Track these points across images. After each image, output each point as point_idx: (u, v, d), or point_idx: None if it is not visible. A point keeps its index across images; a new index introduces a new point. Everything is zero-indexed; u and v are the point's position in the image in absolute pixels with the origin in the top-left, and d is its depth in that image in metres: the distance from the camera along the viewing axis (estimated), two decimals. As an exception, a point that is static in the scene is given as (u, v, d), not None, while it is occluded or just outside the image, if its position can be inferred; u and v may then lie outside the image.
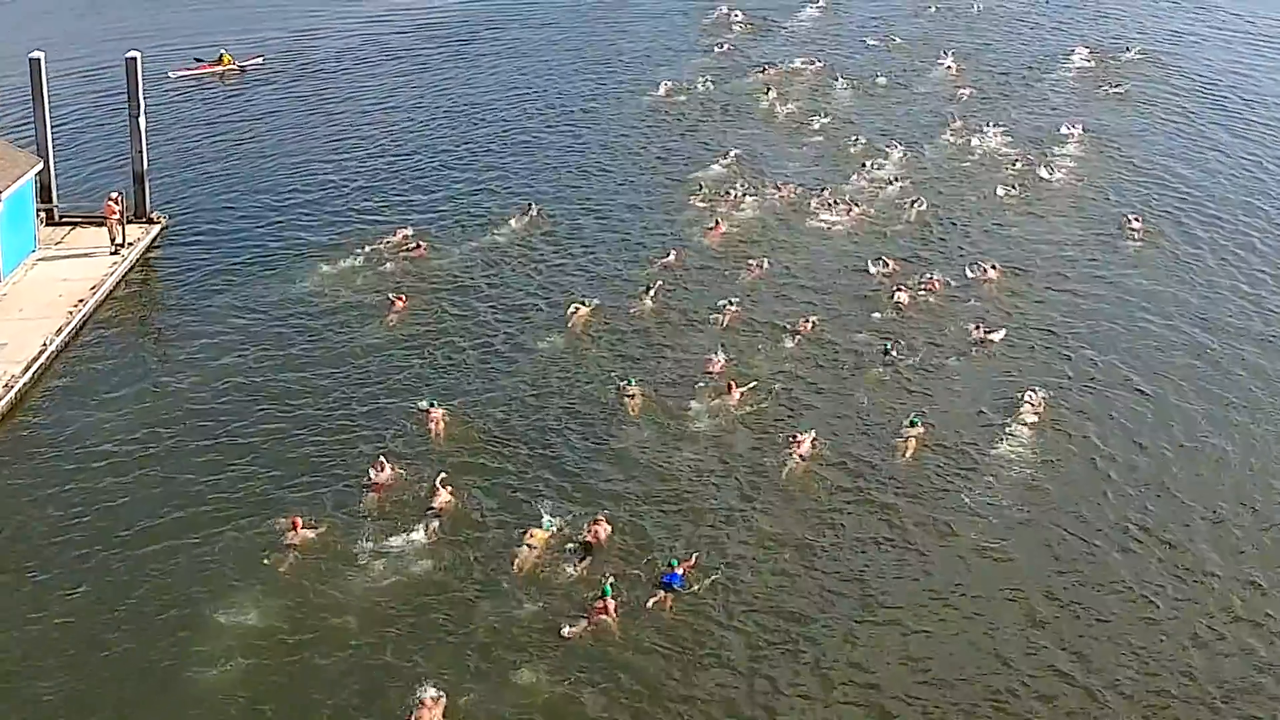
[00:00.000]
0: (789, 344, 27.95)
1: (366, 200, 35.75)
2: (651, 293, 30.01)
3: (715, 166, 38.55)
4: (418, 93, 45.77)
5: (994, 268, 31.68)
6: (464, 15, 56.78)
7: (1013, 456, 24.04)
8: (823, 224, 34.60)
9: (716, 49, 51.48)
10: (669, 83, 46.23)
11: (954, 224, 35.09)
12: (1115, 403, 26.23)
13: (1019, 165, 38.85)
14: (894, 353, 27.48)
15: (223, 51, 46.84)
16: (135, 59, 31.97)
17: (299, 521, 21.34)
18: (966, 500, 22.74)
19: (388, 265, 31.25)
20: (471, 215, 34.89)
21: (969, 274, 31.49)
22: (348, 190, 36.46)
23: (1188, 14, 58.07)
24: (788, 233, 34.24)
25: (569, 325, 28.61)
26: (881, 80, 47.53)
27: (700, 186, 36.71)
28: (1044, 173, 38.34)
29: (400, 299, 29.27)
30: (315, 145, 40.10)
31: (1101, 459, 24.24)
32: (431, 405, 24.92)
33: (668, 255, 32.18)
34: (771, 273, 31.51)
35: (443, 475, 22.46)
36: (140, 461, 23.32)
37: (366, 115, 43.12)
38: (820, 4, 59.15)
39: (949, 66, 49.14)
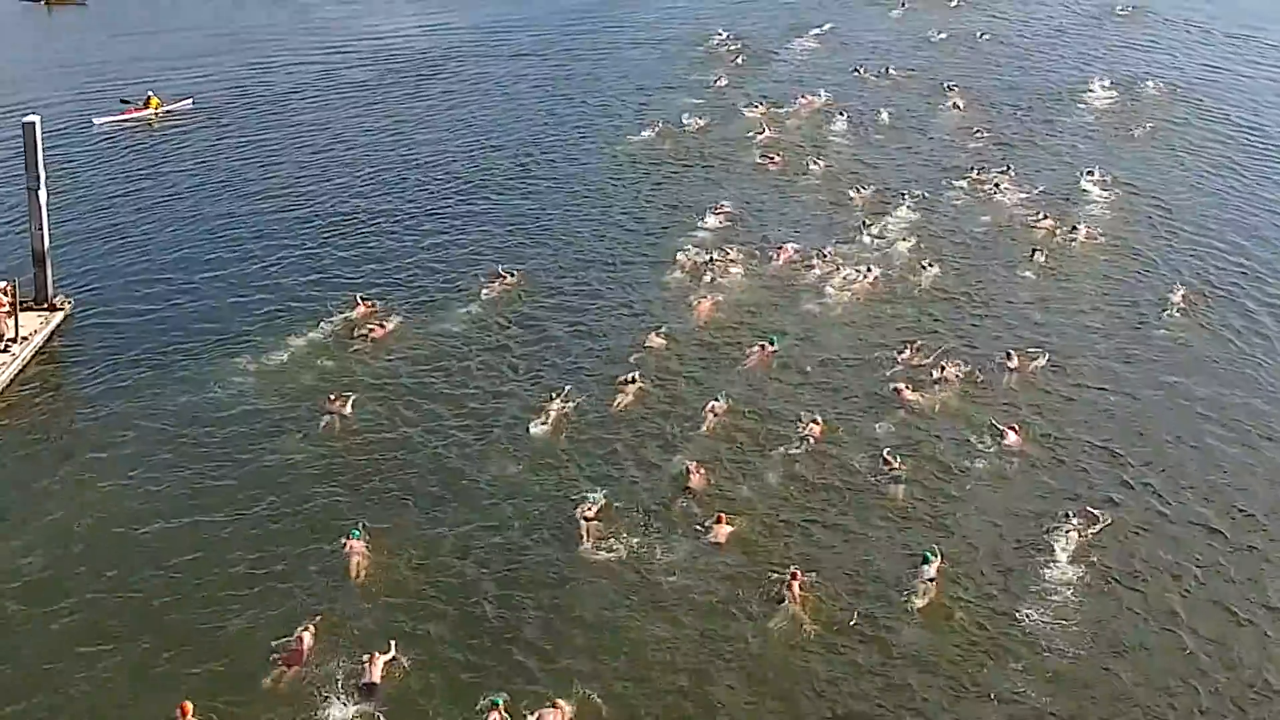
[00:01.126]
0: (786, 453, 25.13)
1: (310, 272, 32.59)
2: (631, 385, 27.21)
3: (704, 224, 35.78)
4: (370, 139, 42.88)
5: (1019, 355, 28.90)
6: (424, 46, 54.19)
7: (1055, 621, 20.53)
8: (825, 297, 31.77)
9: (708, 85, 48.99)
10: (657, 124, 43.68)
11: (971, 296, 32.01)
12: (1180, 543, 22.58)
13: (1043, 223, 36.04)
14: (896, 463, 24.61)
15: (150, 93, 44.18)
16: (34, 124, 28.98)
17: (188, 708, 18.23)
18: (995, 696, 19.16)
19: (331, 352, 28.29)
20: (431, 287, 31.85)
21: (990, 363, 28.73)
22: (288, 260, 33.29)
23: (1221, 47, 55.42)
24: (785, 306, 31.33)
25: (536, 427, 25.81)
26: (885, 119, 45.01)
27: (688, 249, 33.98)
28: (1071, 233, 35.51)
29: (336, 398, 26.44)
30: (252, 205, 36.96)
31: (1177, 630, 20.42)
32: (353, 536, 21.99)
33: (649, 337, 29.42)
34: (766, 361, 28.67)
35: (379, 650, 19.53)
36: None
37: (311, 167, 40.16)
38: (822, 29, 57.01)
39: (956, 104, 46.72)
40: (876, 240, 35.07)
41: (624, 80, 49.81)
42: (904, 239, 35.07)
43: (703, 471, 24.23)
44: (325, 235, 35.06)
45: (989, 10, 62.13)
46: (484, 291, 31.51)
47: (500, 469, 24.45)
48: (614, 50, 54.22)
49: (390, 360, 28.42)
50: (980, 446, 25.40)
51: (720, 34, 55.30)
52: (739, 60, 52.46)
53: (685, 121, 44.16)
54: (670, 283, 32.45)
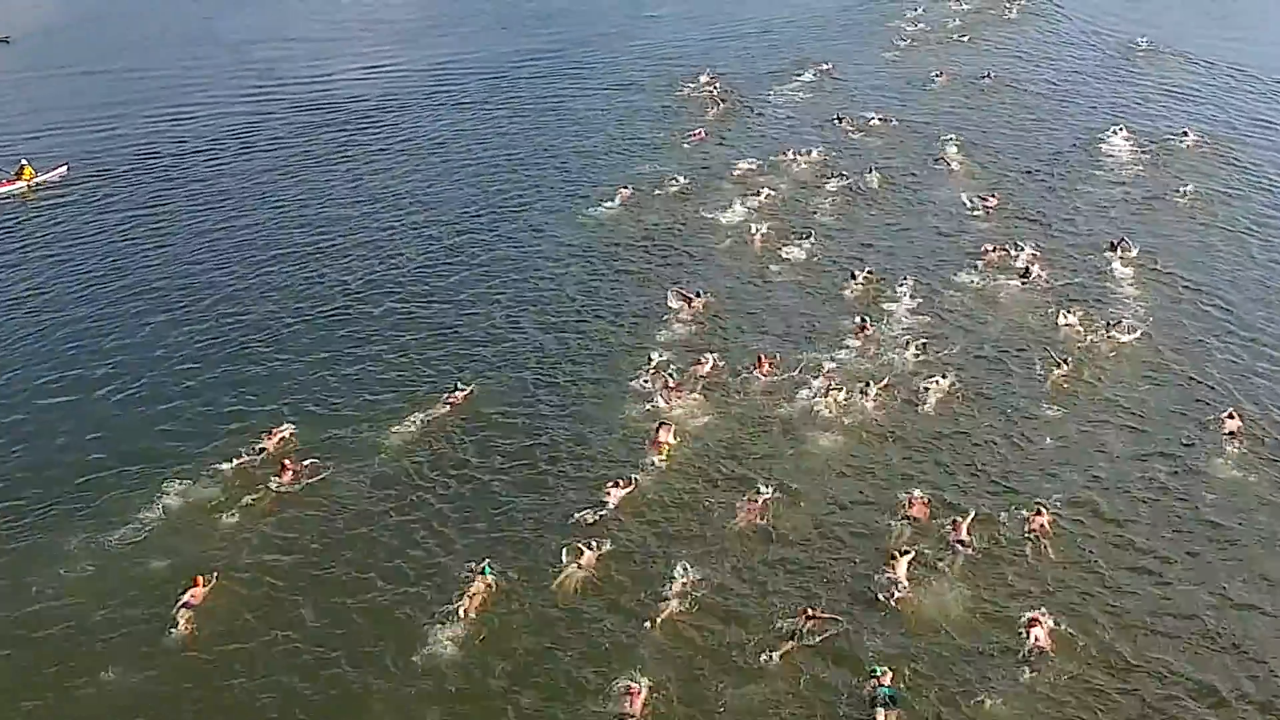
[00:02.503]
0: (756, 663, 20.77)
1: (187, 403, 28.52)
2: (574, 563, 23.05)
3: (672, 326, 31.87)
4: (279, 216, 39.04)
5: (1042, 513, 24.47)
6: (358, 93, 50.44)
7: None
8: (809, 435, 27.31)
9: (686, 141, 45.45)
10: (621, 192, 39.88)
11: (985, 426, 27.50)
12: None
13: (1067, 321, 31.84)
14: (883, 680, 20.22)
15: (24, 161, 40.41)
16: None
17: None
18: None
19: (199, 521, 24.11)
20: (338, 416, 27.90)
21: (1011, 521, 24.34)
22: (159, 385, 29.26)
23: (1266, 96, 51.30)
24: (765, 438, 27.12)
25: (449, 626, 21.44)
26: (881, 183, 41.44)
27: (651, 364, 29.74)
28: (1099, 337, 31.31)
29: (195, 585, 22.04)
30: (122, 309, 32.98)
31: None
32: None
33: (602, 490, 25.08)
34: (747, 520, 24.29)
35: None
36: None
37: (204, 252, 36.33)
38: (812, 73, 53.31)
39: (959, 163, 42.90)
40: (876, 337, 31.25)
41: (583, 138, 46.04)
42: (905, 345, 31.03)
43: (641, 695, 19.93)
44: (207, 349, 30.97)
45: (994, 47, 58.56)
46: (407, 421, 27.48)
47: (388, 701, 20.06)
48: (572, 100, 50.43)
49: (272, 528, 24.15)
50: (1000, 652, 21.07)
51: (697, 79, 51.44)
52: (718, 110, 48.56)
53: (654, 190, 40.27)
54: (631, 415, 28.12)
